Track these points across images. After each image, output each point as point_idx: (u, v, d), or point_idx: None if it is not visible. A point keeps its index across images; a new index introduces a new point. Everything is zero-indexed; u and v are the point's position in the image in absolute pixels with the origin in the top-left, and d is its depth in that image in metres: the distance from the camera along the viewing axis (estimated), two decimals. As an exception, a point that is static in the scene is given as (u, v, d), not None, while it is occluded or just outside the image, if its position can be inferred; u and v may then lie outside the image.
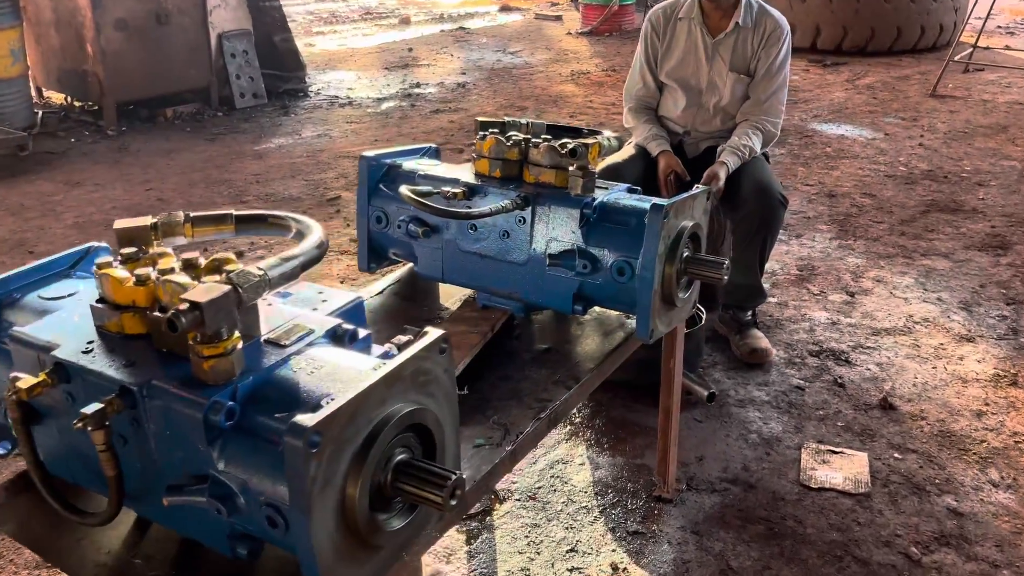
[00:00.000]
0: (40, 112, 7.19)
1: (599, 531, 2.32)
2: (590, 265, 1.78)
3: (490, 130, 2.02)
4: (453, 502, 1.07)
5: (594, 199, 1.82)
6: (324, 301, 1.40)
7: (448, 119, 7.54)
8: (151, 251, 1.27)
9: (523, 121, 2.16)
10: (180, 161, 6.20)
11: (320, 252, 1.29)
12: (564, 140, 1.85)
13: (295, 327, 1.24)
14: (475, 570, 2.18)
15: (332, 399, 1.04)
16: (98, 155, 6.51)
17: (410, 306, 2.10)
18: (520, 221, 1.85)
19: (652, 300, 1.72)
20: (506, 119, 2.15)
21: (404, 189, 1.73)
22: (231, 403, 1.09)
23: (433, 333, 1.17)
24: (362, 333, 1.30)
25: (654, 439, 2.45)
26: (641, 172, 3.20)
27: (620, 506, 2.42)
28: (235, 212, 1.40)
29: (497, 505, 2.42)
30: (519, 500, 2.44)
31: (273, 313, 1.28)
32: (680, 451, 2.65)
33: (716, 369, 3.17)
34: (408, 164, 2.11)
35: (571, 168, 1.81)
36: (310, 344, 1.21)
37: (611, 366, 1.86)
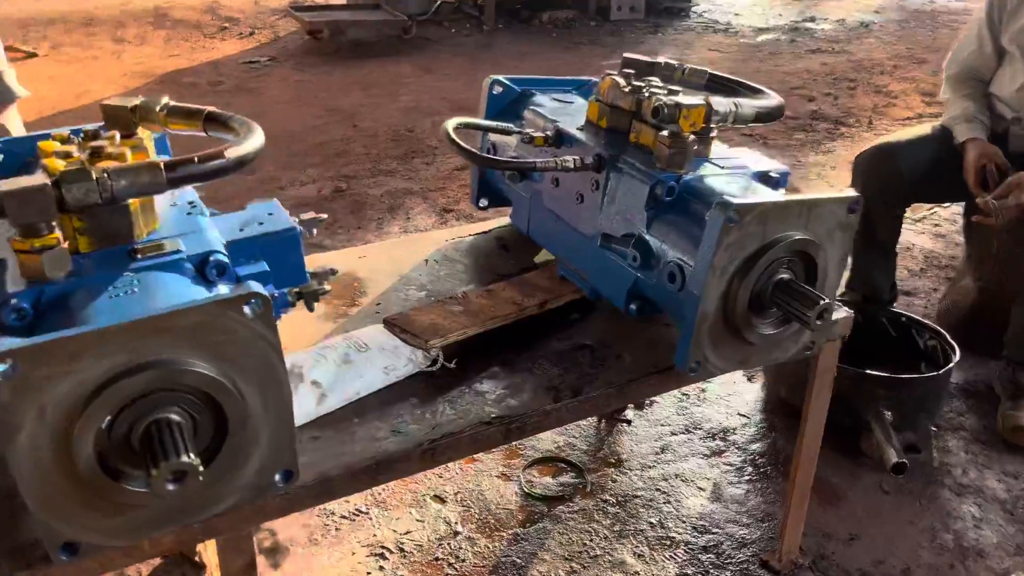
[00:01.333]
0: (439, 1, 7.82)
1: (668, 571, 1.94)
2: (640, 258, 1.38)
3: (633, 71, 1.65)
4: (819, 321, 1.26)
5: (678, 176, 1.40)
6: (260, 224, 1.27)
7: (821, 61, 6.65)
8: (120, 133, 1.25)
9: (677, 64, 1.72)
10: (529, 64, 6.35)
11: (235, 164, 1.13)
12: (678, 99, 1.42)
13: (164, 244, 1.13)
14: (507, 556, 1.96)
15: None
16: (463, 48, 6.94)
17: (502, 255, 1.86)
18: (594, 186, 1.50)
19: (699, 323, 1.29)
20: (660, 60, 1.74)
21: (451, 122, 1.48)
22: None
23: (247, 288, 0.98)
24: (246, 271, 1.16)
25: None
26: (928, 160, 2.46)
27: (712, 552, 1.98)
28: (208, 110, 1.31)
29: (579, 497, 2.15)
30: (608, 500, 2.13)
31: (176, 222, 1.19)
32: (833, 518, 2.09)
33: (957, 435, 2.41)
34: (541, 96, 1.83)
35: (660, 134, 1.40)
36: (162, 266, 1.10)
37: (635, 395, 1.47)
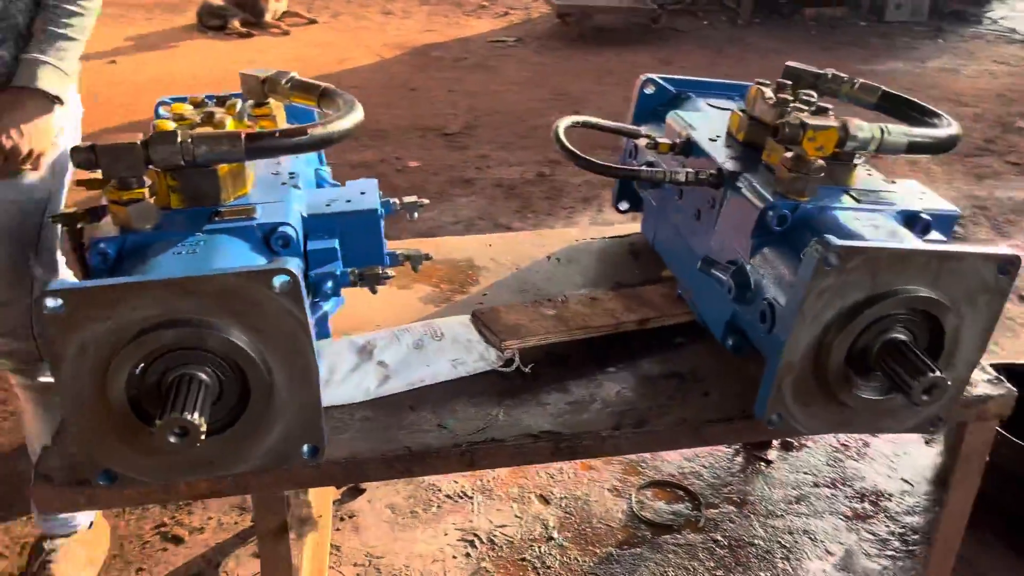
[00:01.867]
0: (696, -10, 7.58)
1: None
2: (736, 289, 1.24)
3: (792, 82, 1.49)
4: (925, 397, 1.06)
5: (796, 205, 1.23)
6: (347, 202, 1.30)
7: None
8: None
9: (845, 77, 1.50)
10: (773, 62, 5.97)
11: (329, 136, 1.16)
12: (807, 118, 1.25)
13: (243, 210, 1.19)
14: (594, 574, 1.89)
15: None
16: (709, 41, 6.68)
17: (629, 263, 1.77)
18: (711, 203, 1.37)
19: (782, 373, 1.13)
20: (827, 71, 1.53)
21: (566, 120, 1.41)
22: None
23: (279, 263, 1.00)
24: (316, 245, 1.20)
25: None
26: None
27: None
28: (324, 86, 1.35)
29: (689, 530, 2.01)
30: (719, 540, 1.98)
31: (266, 191, 1.25)
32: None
33: None
34: (697, 99, 1.71)
35: (784, 155, 1.24)
36: (231, 231, 1.16)
37: (709, 438, 1.32)
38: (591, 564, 1.92)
